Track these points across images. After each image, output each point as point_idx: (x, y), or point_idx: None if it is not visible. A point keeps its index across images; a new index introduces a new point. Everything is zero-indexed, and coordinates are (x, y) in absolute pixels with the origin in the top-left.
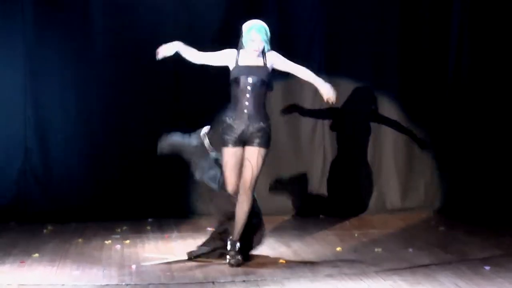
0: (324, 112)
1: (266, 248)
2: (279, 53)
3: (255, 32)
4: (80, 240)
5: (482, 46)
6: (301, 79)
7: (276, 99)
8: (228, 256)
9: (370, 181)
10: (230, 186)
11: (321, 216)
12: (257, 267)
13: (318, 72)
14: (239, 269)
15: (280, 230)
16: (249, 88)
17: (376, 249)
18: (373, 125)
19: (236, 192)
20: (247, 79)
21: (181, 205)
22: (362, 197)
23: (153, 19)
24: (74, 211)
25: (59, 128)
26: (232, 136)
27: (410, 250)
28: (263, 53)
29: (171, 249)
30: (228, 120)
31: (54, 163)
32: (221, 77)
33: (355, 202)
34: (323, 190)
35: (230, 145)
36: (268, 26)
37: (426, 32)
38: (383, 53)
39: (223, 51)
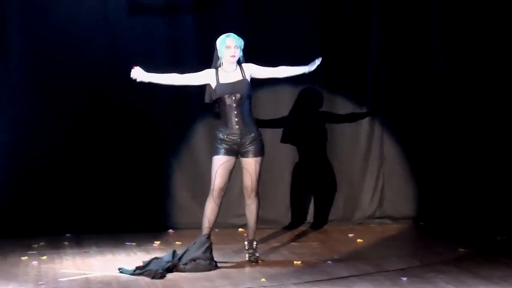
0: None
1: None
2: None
3: (230, 39)
4: None
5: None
6: (283, 77)
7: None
8: (247, 254)
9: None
10: (216, 191)
11: (240, 229)
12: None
13: None
14: (158, 283)
15: None
16: (235, 104)
17: (295, 262)
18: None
19: (220, 196)
20: (231, 97)
21: (100, 220)
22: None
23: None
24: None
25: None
26: (224, 146)
27: (329, 262)
28: (240, 65)
29: (89, 264)
30: (221, 135)
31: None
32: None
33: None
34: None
35: (221, 154)
36: None
37: (345, 51)
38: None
39: (202, 72)
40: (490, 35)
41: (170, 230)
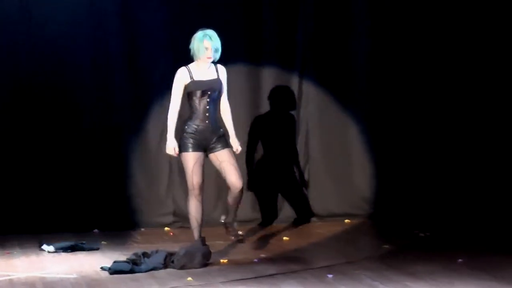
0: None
1: (111, 261)
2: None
3: (207, 41)
4: None
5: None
6: (219, 108)
7: None
8: (231, 230)
9: None
10: (196, 190)
11: (166, 229)
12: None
13: None
14: (83, 283)
15: (123, 244)
16: (208, 100)
17: (221, 260)
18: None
19: (201, 193)
20: (204, 94)
21: (24, 221)
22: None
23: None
24: None
25: None
26: (193, 142)
27: (256, 260)
28: (215, 64)
29: (13, 265)
30: (191, 130)
31: None
32: None
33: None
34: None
35: (192, 150)
36: None
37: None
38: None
39: (177, 80)
40: (416, 19)
41: (95, 230)
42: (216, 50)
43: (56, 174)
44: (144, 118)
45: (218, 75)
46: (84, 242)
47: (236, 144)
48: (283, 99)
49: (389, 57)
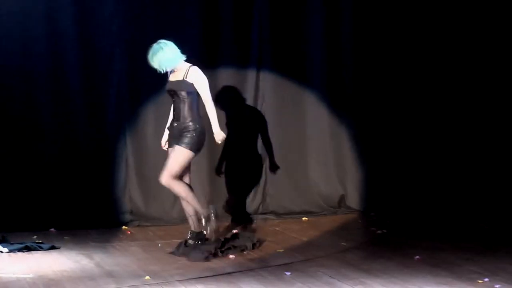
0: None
1: (68, 261)
2: None
3: (150, 61)
4: None
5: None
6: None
7: None
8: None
9: None
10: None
11: (124, 227)
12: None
13: None
14: (40, 283)
15: (81, 242)
16: (173, 100)
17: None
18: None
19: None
20: (171, 93)
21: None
22: None
23: None
24: None
25: None
26: (169, 138)
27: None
28: (190, 67)
29: None
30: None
31: None
32: None
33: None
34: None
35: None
36: None
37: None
38: None
39: None
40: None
41: (52, 229)
42: (153, 63)
43: (13, 172)
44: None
45: (184, 77)
46: (41, 241)
47: (216, 137)
48: (240, 97)
49: (345, 51)
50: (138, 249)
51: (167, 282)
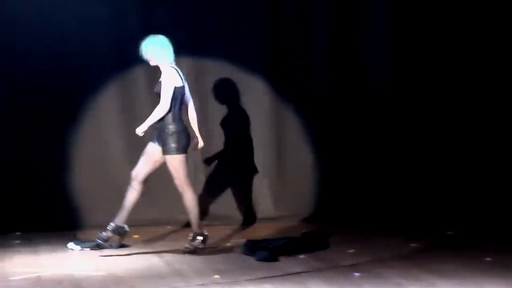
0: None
1: (139, 259)
2: None
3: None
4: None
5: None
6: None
7: None
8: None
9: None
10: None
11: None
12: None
13: None
14: (110, 281)
15: (152, 241)
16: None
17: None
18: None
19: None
20: (155, 93)
21: (51, 218)
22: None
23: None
24: None
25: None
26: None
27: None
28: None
29: (40, 262)
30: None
31: None
32: None
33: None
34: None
35: (152, 140)
36: None
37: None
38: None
39: None
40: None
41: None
42: (144, 54)
43: None
44: None
45: (160, 78)
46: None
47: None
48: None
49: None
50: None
51: (235, 281)
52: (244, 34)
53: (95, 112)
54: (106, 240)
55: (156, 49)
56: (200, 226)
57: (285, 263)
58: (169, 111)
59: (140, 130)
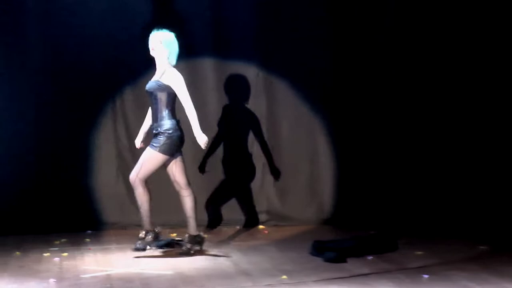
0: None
1: (207, 259)
2: None
3: (153, 39)
4: (18, 253)
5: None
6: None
7: None
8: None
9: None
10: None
11: (260, 227)
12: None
13: None
14: (179, 280)
15: (220, 242)
16: (149, 100)
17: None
18: None
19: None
20: (146, 92)
21: (119, 217)
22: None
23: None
24: (11, 223)
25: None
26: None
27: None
28: (169, 68)
29: (110, 261)
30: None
31: None
32: None
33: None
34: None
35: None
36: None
37: None
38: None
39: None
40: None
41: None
42: (154, 45)
43: None
44: None
45: (159, 78)
46: (181, 239)
47: (199, 141)
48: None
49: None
50: (273, 249)
51: (303, 282)
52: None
53: None
54: (188, 251)
55: (168, 47)
56: (151, 224)
57: (353, 265)
58: (165, 110)
59: (203, 140)
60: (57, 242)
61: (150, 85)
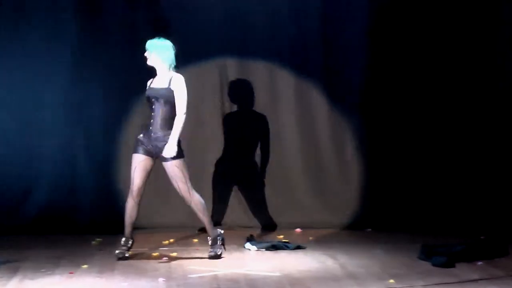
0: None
1: (313, 261)
2: None
3: (147, 49)
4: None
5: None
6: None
7: None
8: None
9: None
10: (135, 191)
11: (368, 229)
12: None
13: None
14: (285, 281)
15: (326, 243)
16: (153, 107)
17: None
18: None
19: (139, 195)
20: (152, 100)
21: (226, 218)
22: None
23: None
24: (121, 222)
25: (106, 135)
26: (141, 146)
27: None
28: (174, 73)
29: (217, 261)
30: (140, 136)
31: (101, 173)
32: None
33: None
34: (370, 203)
35: (139, 152)
36: None
37: None
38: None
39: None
40: None
41: (298, 229)
42: (150, 52)
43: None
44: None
45: (169, 84)
46: (287, 241)
47: (168, 150)
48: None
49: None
50: (382, 252)
51: (411, 286)
52: None
53: None
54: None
55: (169, 53)
56: (130, 233)
57: (462, 270)
58: (172, 117)
59: (173, 151)
60: (166, 242)
61: (160, 92)
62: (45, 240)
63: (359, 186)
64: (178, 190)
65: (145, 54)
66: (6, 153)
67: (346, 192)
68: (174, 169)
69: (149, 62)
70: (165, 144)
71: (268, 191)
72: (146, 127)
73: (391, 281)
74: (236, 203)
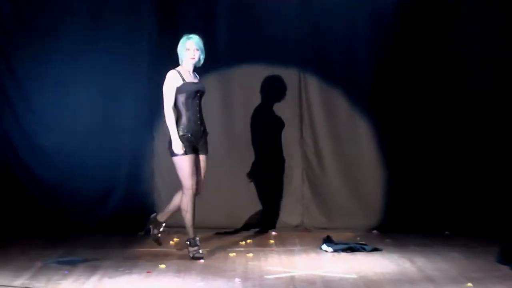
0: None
1: (390, 263)
2: None
3: (190, 41)
4: (205, 251)
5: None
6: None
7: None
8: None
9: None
10: (194, 187)
11: (446, 232)
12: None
13: None
14: (362, 284)
15: (403, 246)
16: (197, 102)
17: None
18: None
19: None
20: (197, 95)
21: (302, 219)
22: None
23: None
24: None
25: None
26: (188, 145)
27: None
28: (196, 71)
29: (294, 262)
30: (184, 132)
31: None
32: None
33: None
34: (449, 206)
35: (189, 153)
36: None
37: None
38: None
39: (170, 84)
40: None
41: (374, 231)
42: (199, 50)
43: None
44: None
45: (199, 79)
46: (364, 243)
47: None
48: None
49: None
50: (459, 255)
51: None
52: None
53: None
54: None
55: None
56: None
57: None
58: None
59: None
60: (243, 243)
61: (202, 86)
62: (122, 239)
63: (436, 190)
64: (200, 181)
65: (196, 52)
66: (85, 155)
67: (422, 195)
68: (208, 164)
69: (195, 60)
70: (203, 137)
71: (344, 194)
72: (193, 122)
73: (469, 284)
74: (314, 205)
